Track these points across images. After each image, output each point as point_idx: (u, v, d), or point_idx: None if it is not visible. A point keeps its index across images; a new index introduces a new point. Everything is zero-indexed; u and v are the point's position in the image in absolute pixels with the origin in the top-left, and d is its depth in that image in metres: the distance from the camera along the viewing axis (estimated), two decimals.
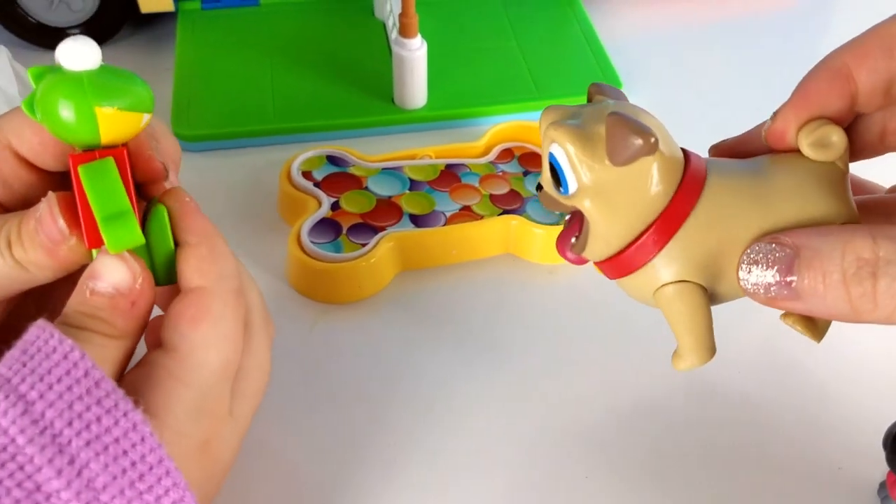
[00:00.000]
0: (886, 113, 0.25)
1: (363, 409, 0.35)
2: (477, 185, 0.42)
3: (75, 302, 0.24)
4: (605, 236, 0.24)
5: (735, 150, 0.27)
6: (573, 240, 0.26)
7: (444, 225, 0.40)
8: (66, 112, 0.22)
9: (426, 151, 0.44)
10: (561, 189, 0.24)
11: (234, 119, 0.46)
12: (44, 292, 0.28)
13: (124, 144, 0.24)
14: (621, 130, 0.23)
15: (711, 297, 0.25)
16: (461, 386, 0.36)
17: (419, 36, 0.44)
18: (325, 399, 0.35)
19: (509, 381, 0.36)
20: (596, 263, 0.26)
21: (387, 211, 0.40)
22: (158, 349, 0.25)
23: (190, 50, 0.50)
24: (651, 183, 0.24)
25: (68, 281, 0.27)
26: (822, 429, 0.35)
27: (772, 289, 0.23)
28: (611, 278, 0.26)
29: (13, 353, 0.22)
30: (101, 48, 0.23)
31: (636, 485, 0.33)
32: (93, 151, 0.24)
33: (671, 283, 0.24)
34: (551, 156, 0.24)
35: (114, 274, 0.24)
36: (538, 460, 0.34)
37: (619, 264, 0.25)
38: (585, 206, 0.24)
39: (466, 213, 0.41)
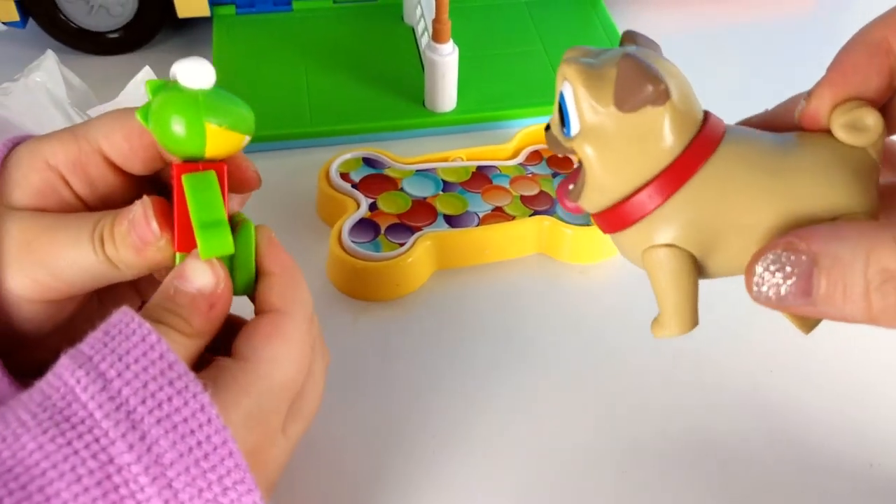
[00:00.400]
0: None
1: (402, 402, 0.36)
2: (507, 186, 0.44)
3: (159, 298, 0.25)
4: (600, 186, 0.23)
5: (764, 127, 0.25)
6: (571, 186, 0.25)
7: (478, 225, 0.41)
8: (178, 125, 0.24)
9: (458, 154, 0.45)
10: (565, 130, 0.23)
11: (271, 122, 0.47)
12: (108, 289, 0.30)
13: (223, 161, 0.26)
14: (632, 73, 0.21)
15: (701, 269, 0.24)
16: (494, 381, 0.37)
17: (451, 41, 0.46)
18: (366, 392, 0.37)
19: (540, 377, 0.37)
20: (593, 215, 0.25)
21: (422, 211, 0.42)
22: (229, 357, 0.26)
23: (226, 54, 0.51)
24: (656, 137, 0.22)
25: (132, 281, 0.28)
26: (855, 426, 0.36)
27: (786, 299, 0.21)
28: (606, 232, 0.25)
29: (96, 335, 0.24)
30: (139, 52, 0.25)
31: (670, 480, 0.34)
32: (196, 164, 0.25)
33: (661, 245, 0.23)
34: (561, 95, 0.23)
35: (201, 277, 0.25)
36: (569, 456, 0.35)
37: (613, 217, 0.24)
38: (584, 151, 0.23)
39: (498, 214, 0.42)
